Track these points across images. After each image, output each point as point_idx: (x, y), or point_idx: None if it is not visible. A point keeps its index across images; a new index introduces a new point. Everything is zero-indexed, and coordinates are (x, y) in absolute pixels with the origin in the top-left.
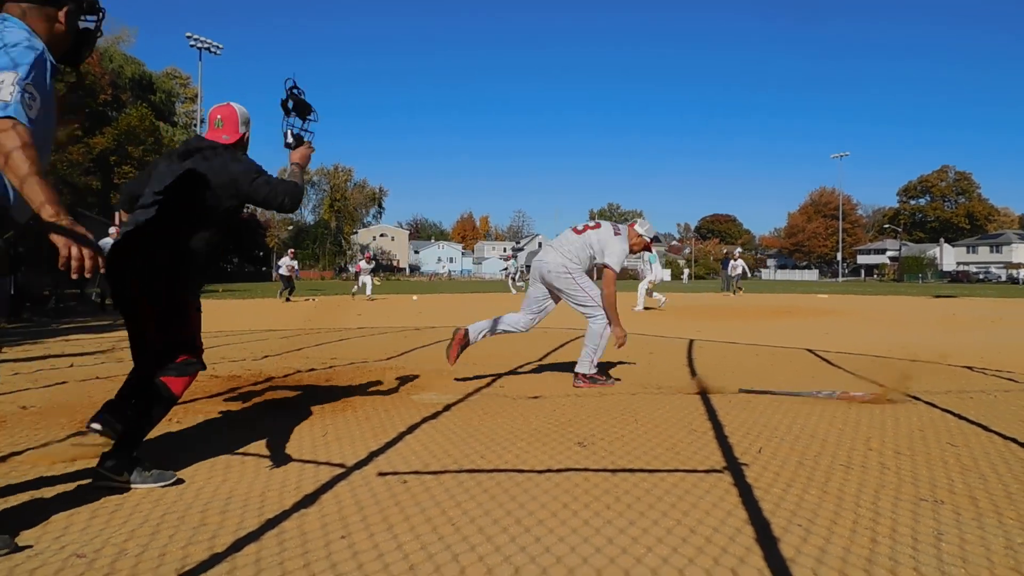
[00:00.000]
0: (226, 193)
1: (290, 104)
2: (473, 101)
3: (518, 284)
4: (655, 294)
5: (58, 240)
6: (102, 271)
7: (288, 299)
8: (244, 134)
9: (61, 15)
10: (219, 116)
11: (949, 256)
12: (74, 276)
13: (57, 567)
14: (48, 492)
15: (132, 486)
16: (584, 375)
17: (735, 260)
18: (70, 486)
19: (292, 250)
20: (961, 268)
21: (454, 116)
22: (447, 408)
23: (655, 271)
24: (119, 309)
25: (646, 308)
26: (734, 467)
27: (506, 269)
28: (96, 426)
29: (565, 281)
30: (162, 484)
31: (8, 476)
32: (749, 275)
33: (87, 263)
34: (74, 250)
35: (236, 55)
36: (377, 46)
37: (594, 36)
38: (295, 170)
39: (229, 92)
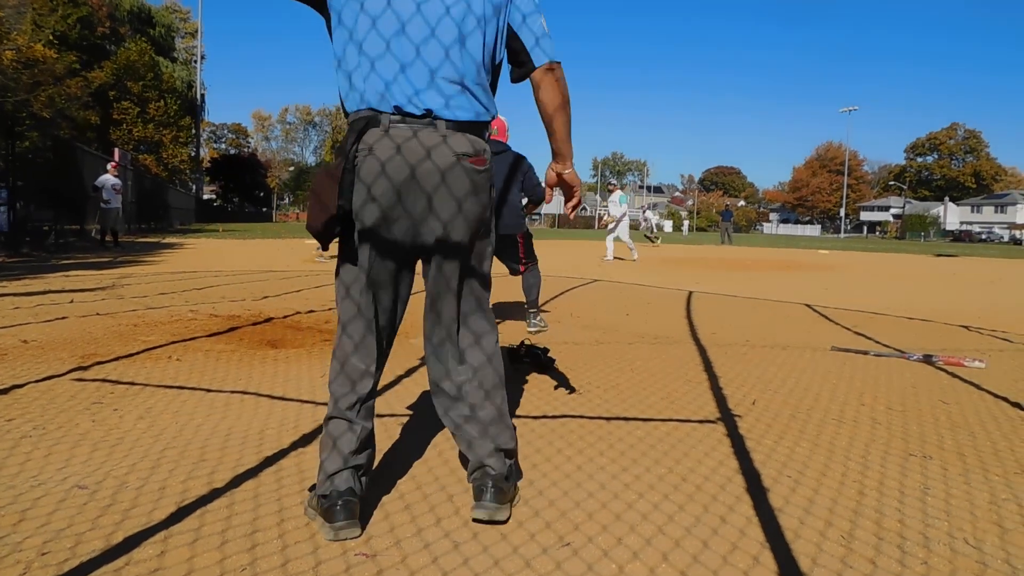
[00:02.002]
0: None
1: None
2: None
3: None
4: (620, 241)
5: (575, 186)
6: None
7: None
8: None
9: None
10: (494, 127)
11: (953, 215)
12: (572, 216)
13: (60, 497)
14: (50, 424)
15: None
16: None
17: (649, 212)
18: (72, 419)
19: None
20: (964, 228)
21: None
22: None
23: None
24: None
25: (617, 258)
26: (727, 418)
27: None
28: (533, 327)
29: None
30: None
31: (10, 408)
32: (658, 230)
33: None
34: (577, 198)
35: None
36: None
37: None
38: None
39: (229, 28)
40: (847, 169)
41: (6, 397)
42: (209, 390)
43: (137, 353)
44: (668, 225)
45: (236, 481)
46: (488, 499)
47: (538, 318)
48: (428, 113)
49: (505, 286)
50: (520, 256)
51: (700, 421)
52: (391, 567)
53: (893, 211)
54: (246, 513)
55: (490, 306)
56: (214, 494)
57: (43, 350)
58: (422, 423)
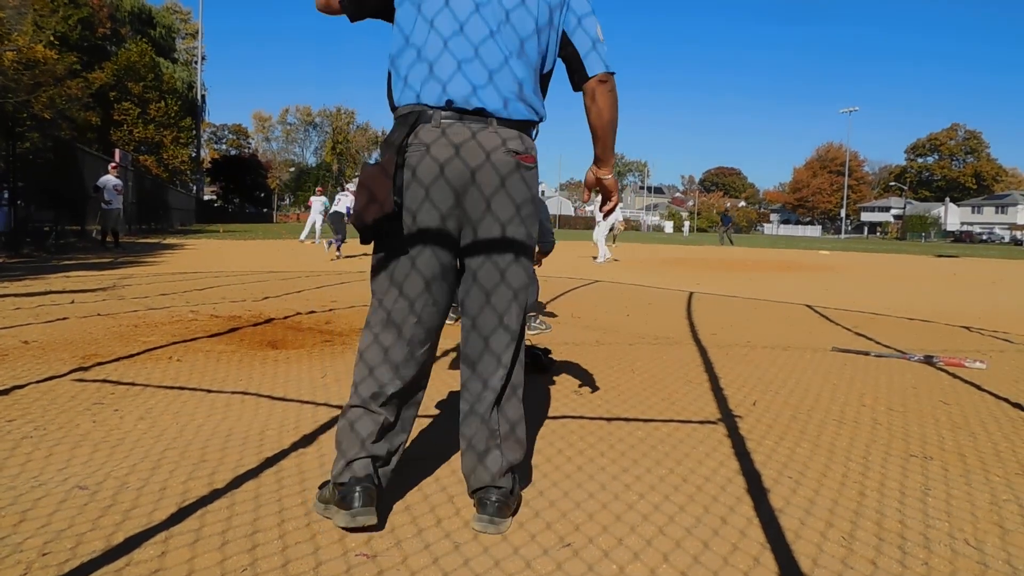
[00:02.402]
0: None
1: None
2: None
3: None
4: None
5: (613, 191)
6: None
7: (338, 252)
8: None
9: None
10: None
11: (954, 216)
12: (607, 218)
13: (60, 498)
14: (51, 425)
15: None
16: None
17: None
18: (73, 420)
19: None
20: (965, 228)
21: None
22: (445, 353)
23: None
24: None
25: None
26: (728, 419)
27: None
28: (533, 330)
29: None
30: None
31: (11, 409)
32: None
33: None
34: (615, 200)
35: None
36: None
37: None
38: None
39: (229, 28)
40: (847, 170)
41: (7, 398)
42: (210, 391)
43: (138, 354)
44: (668, 226)
45: (237, 482)
46: (492, 512)
47: (538, 320)
48: (482, 111)
49: None
50: None
51: (701, 422)
52: (392, 567)
53: (894, 212)
54: (247, 514)
55: (523, 314)
56: (215, 495)
57: (44, 351)
58: (422, 424)
